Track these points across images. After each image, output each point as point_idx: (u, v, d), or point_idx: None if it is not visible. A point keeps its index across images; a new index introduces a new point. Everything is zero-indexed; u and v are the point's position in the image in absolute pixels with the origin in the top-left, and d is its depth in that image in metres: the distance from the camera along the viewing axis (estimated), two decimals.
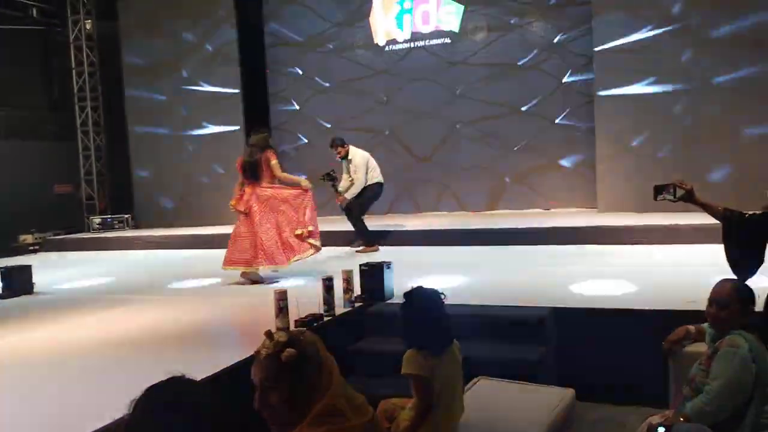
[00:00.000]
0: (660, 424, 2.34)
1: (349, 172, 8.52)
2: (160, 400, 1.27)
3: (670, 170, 8.46)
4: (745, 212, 3.29)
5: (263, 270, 6.48)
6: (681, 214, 7.37)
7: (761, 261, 3.23)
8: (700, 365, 2.68)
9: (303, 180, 6.78)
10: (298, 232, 6.48)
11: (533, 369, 4.21)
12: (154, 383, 1.30)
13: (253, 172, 6.51)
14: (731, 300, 2.74)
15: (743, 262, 3.26)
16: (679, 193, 3.34)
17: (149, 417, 1.24)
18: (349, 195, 8.34)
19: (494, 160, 10.52)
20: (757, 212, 3.30)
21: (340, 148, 8.52)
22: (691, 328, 3.02)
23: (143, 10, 11.99)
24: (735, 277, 3.20)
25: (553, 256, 7.11)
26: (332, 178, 8.24)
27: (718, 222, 3.41)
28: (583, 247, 7.49)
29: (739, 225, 3.25)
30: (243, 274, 6.56)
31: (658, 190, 3.45)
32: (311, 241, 6.56)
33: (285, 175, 6.68)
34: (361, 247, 8.29)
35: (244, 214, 6.46)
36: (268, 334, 1.78)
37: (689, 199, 3.33)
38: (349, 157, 8.51)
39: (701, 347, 2.87)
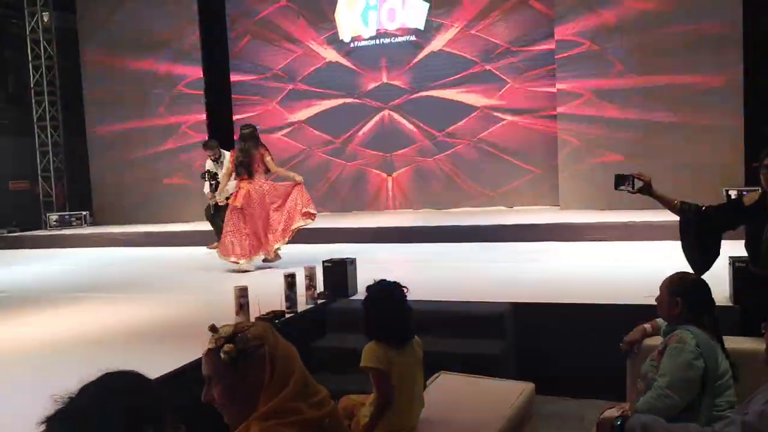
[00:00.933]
0: (617, 417, 2.36)
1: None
2: (113, 389, 1.20)
3: (630, 168, 8.63)
4: (701, 205, 3.32)
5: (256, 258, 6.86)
6: (638, 211, 7.57)
7: (717, 254, 3.25)
8: (651, 361, 2.70)
9: (297, 175, 7.00)
10: (305, 210, 6.79)
11: (494, 363, 4.25)
12: (107, 372, 1.24)
13: (247, 168, 6.77)
14: (663, 294, 2.79)
15: (700, 256, 3.27)
16: (638, 184, 3.34)
17: (96, 405, 1.17)
18: (223, 196, 7.93)
19: (458, 158, 10.57)
20: (713, 205, 3.34)
21: (215, 150, 8.23)
22: (647, 327, 3.06)
23: (103, 2, 11.74)
24: (692, 270, 3.23)
25: (514, 253, 7.18)
26: (213, 176, 8.02)
27: (675, 219, 3.45)
28: (545, 243, 7.58)
29: (695, 218, 3.24)
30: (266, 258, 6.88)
31: (619, 180, 3.43)
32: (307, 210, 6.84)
33: (280, 170, 7.08)
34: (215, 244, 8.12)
35: (239, 209, 6.74)
36: (212, 328, 1.72)
37: (647, 192, 3.31)
38: (222, 160, 8.17)
39: (658, 340, 2.91)
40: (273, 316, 4.47)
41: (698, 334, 2.59)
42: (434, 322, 4.56)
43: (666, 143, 8.77)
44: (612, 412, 2.85)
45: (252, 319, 4.36)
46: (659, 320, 2.98)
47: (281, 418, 1.58)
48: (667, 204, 3.34)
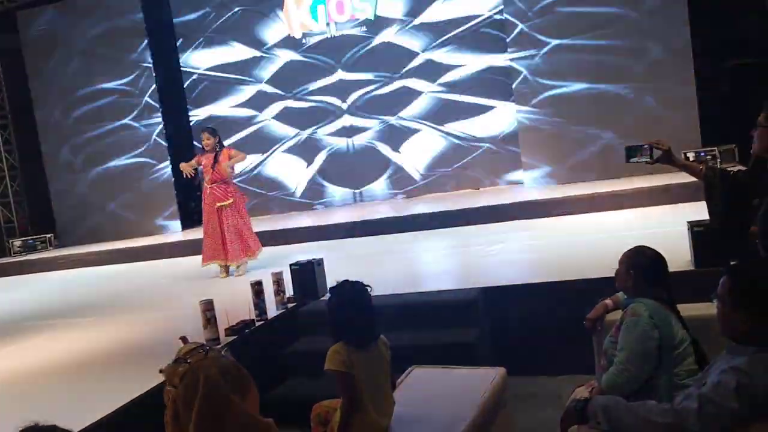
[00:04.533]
0: (577, 402, 2.34)
1: None
2: None
3: (589, 143, 8.74)
4: (727, 169, 3.17)
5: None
6: (600, 182, 7.65)
7: (750, 219, 2.99)
8: (611, 337, 2.72)
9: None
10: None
11: (469, 351, 4.25)
12: None
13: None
14: (619, 268, 2.81)
15: (731, 222, 3.07)
16: (656, 154, 3.14)
17: None
18: None
19: (420, 145, 10.53)
20: (742, 169, 3.21)
21: None
22: (609, 302, 3.07)
23: (45, 22, 11.46)
24: (725, 239, 3.10)
25: (482, 236, 7.17)
26: None
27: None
28: (511, 223, 7.59)
29: (723, 184, 3.04)
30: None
31: (631, 151, 3.22)
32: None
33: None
34: None
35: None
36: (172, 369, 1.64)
37: (667, 160, 3.14)
38: None
39: (620, 315, 2.92)
40: (243, 326, 4.43)
41: (651, 305, 2.60)
42: (406, 316, 4.55)
43: (619, 108, 8.83)
44: (582, 391, 2.87)
45: (221, 331, 4.32)
46: (620, 294, 3.00)
47: None
48: (691, 171, 3.16)
